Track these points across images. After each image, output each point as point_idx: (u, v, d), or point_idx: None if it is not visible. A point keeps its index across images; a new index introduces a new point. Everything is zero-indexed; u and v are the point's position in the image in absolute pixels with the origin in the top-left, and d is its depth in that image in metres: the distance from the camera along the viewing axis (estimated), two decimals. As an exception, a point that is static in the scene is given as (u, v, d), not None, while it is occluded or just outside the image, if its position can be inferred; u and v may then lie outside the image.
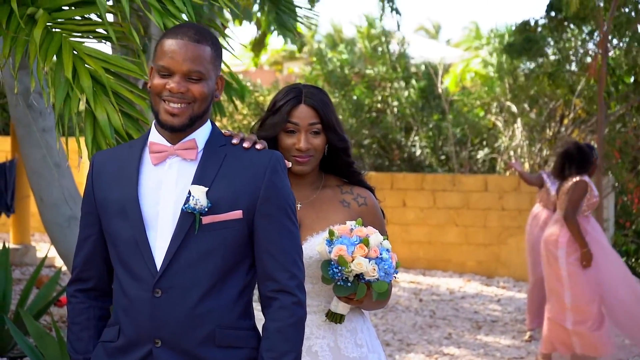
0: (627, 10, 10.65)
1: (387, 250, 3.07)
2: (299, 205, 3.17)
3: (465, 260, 12.05)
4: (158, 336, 2.57)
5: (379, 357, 3.26)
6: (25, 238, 11.09)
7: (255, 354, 2.61)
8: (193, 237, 2.57)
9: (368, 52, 14.13)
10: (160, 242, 2.58)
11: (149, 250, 2.58)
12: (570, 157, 7.30)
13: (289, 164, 3.09)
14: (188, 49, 2.58)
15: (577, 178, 7.22)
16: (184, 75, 2.59)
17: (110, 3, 4.02)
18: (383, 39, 13.82)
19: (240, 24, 9.52)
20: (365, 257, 3.01)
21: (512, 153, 12.81)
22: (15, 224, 10.99)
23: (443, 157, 13.43)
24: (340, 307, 3.14)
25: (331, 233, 3.06)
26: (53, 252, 10.28)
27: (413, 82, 13.56)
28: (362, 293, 3.03)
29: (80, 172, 5.44)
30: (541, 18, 11.40)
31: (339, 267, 3.00)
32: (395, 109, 13.49)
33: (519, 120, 12.70)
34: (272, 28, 7.56)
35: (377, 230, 3.12)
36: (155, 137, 2.66)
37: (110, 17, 4.11)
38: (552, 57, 11.91)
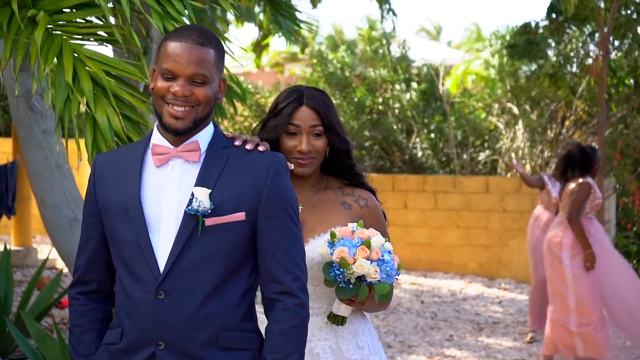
0: (629, 12, 10.64)
1: (389, 252, 3.07)
2: (300, 207, 3.17)
3: (466, 261, 12.04)
4: (161, 338, 2.56)
5: (381, 359, 3.26)
6: (27, 240, 11.10)
7: (258, 356, 2.61)
8: (196, 239, 2.57)
9: (369, 55, 14.14)
10: (163, 244, 2.58)
11: (152, 253, 2.57)
12: (573, 159, 7.30)
13: (291, 166, 3.09)
14: (192, 52, 2.58)
15: (581, 180, 7.22)
16: (188, 78, 2.58)
17: (110, 5, 4.01)
18: (384, 41, 13.83)
19: (242, 25, 9.53)
20: (367, 259, 3.01)
21: (513, 155, 12.81)
22: (16, 226, 10.99)
23: (444, 159, 13.42)
24: (342, 309, 3.14)
25: (333, 235, 3.06)
26: (54, 254, 10.28)
27: (414, 84, 13.56)
28: (363, 295, 3.03)
29: (80, 174, 5.44)
30: (542, 20, 11.40)
31: (341, 269, 3.00)
32: (397, 111, 13.49)
33: (520, 121, 12.70)
34: (273, 31, 7.58)
35: (379, 232, 3.11)
36: (157, 139, 2.65)
37: (110, 20, 4.10)
38: (553, 59, 11.91)
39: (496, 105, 13.16)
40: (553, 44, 11.79)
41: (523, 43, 11.29)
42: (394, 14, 10.43)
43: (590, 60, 11.74)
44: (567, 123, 12.62)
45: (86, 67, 3.73)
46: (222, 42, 2.72)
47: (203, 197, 2.55)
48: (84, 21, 3.94)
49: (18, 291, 9.06)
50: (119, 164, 2.68)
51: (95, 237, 2.69)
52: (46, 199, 6.03)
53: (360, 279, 3.02)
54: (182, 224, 2.57)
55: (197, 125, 2.62)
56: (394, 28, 11.06)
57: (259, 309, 2.78)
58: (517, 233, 11.66)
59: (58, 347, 5.24)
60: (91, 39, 3.91)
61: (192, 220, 2.56)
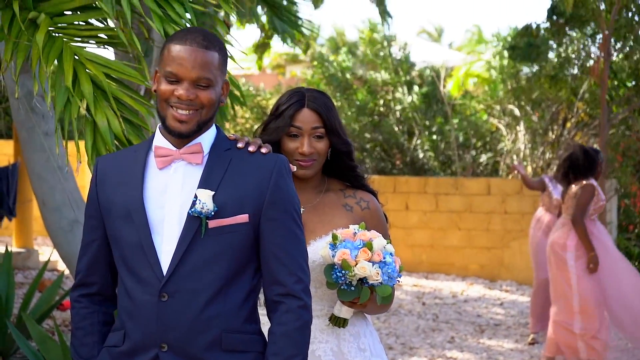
0: (630, 14, 10.64)
1: (391, 254, 3.06)
2: (302, 209, 3.16)
3: (468, 263, 12.03)
4: (164, 340, 2.56)
5: (382, 361, 3.26)
6: (28, 242, 11.10)
7: (261, 358, 2.61)
8: (199, 241, 2.56)
9: (369, 58, 14.14)
10: (166, 246, 2.58)
11: (155, 255, 2.57)
12: (576, 161, 7.29)
13: (293, 168, 3.09)
14: (197, 56, 2.57)
15: (584, 182, 7.22)
16: (193, 82, 2.58)
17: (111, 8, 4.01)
18: (385, 43, 13.83)
19: (244, 27, 9.53)
20: (369, 261, 3.01)
21: (514, 156, 12.80)
22: (18, 228, 11.00)
23: (445, 161, 13.42)
24: (344, 311, 3.13)
25: (334, 237, 3.05)
26: (56, 256, 10.28)
27: (415, 86, 13.56)
28: (365, 297, 3.02)
29: (80, 175, 5.43)
30: (543, 22, 11.40)
31: (343, 271, 3.00)
32: (398, 113, 13.49)
33: (521, 123, 12.69)
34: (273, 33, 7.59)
35: (380, 234, 3.11)
36: (160, 141, 2.65)
37: (111, 23, 4.10)
38: (554, 61, 11.91)
39: (497, 107, 13.16)
40: (554, 46, 11.79)
41: (524, 45, 11.29)
42: (389, 15, 10.44)
43: (591, 62, 11.73)
44: (568, 125, 12.61)
45: (87, 70, 3.73)
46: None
47: (206, 199, 2.55)
48: (84, 24, 3.94)
49: (19, 293, 9.07)
50: (121, 166, 2.67)
51: (97, 239, 2.68)
52: (47, 201, 6.03)
53: (362, 281, 3.02)
54: (185, 226, 2.57)
55: (200, 128, 2.62)
56: (388, 28, 11.07)
57: (262, 311, 2.78)
58: (518, 235, 11.65)
59: (59, 349, 5.23)
60: (92, 42, 3.91)
61: (195, 222, 2.56)
